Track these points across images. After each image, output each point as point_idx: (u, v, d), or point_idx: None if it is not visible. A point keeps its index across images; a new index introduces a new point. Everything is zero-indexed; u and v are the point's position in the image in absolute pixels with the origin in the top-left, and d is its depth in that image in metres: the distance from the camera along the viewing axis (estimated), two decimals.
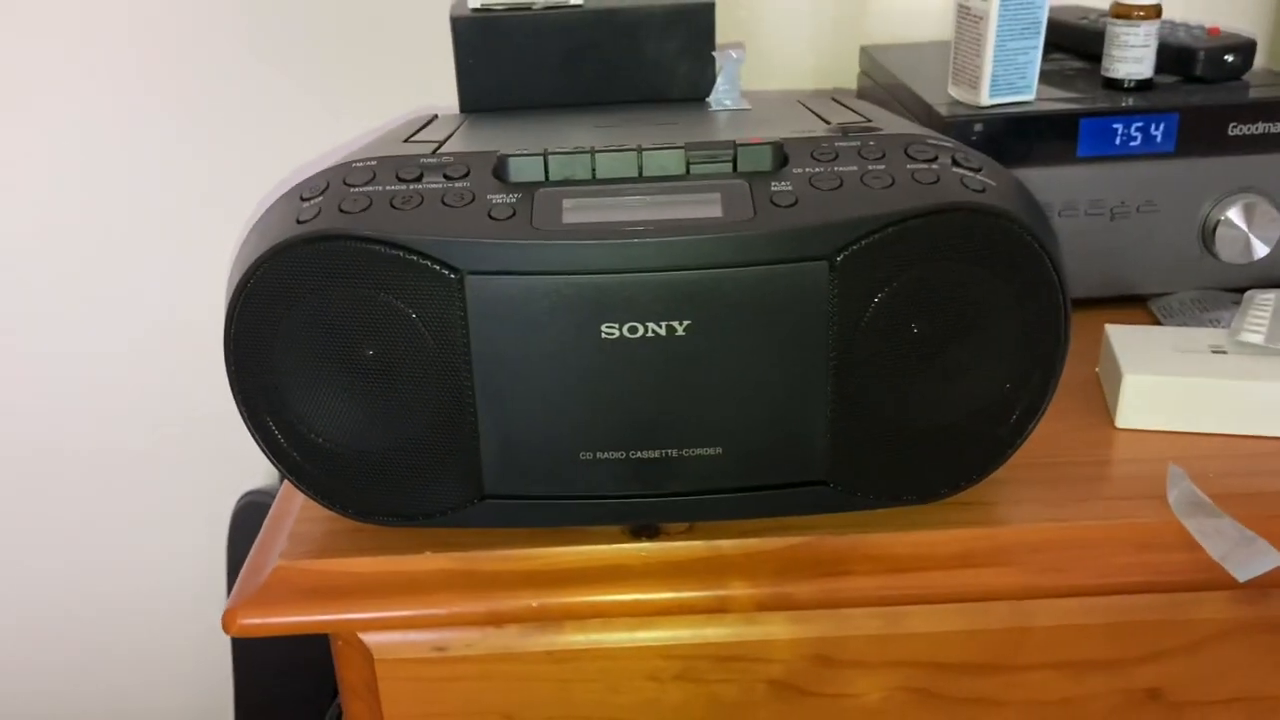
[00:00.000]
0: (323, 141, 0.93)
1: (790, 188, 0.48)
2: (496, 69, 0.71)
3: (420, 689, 0.56)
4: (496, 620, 0.53)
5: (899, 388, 0.50)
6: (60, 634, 1.11)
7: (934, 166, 0.49)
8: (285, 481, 0.58)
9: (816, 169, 0.49)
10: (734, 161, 0.50)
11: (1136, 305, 0.75)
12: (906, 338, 0.49)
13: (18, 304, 0.98)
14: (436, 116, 0.68)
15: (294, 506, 0.57)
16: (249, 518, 1.00)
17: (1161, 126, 0.70)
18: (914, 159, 0.50)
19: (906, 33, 0.95)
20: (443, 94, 0.92)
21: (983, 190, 0.48)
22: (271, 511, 0.58)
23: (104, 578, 1.08)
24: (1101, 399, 0.64)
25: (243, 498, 1.01)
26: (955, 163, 0.50)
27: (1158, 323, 0.72)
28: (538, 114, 0.68)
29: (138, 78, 0.91)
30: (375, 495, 0.52)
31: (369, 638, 0.55)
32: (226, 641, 1.07)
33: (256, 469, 1.05)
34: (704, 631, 0.55)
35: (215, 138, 0.93)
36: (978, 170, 0.50)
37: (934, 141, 0.51)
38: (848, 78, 0.94)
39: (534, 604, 0.52)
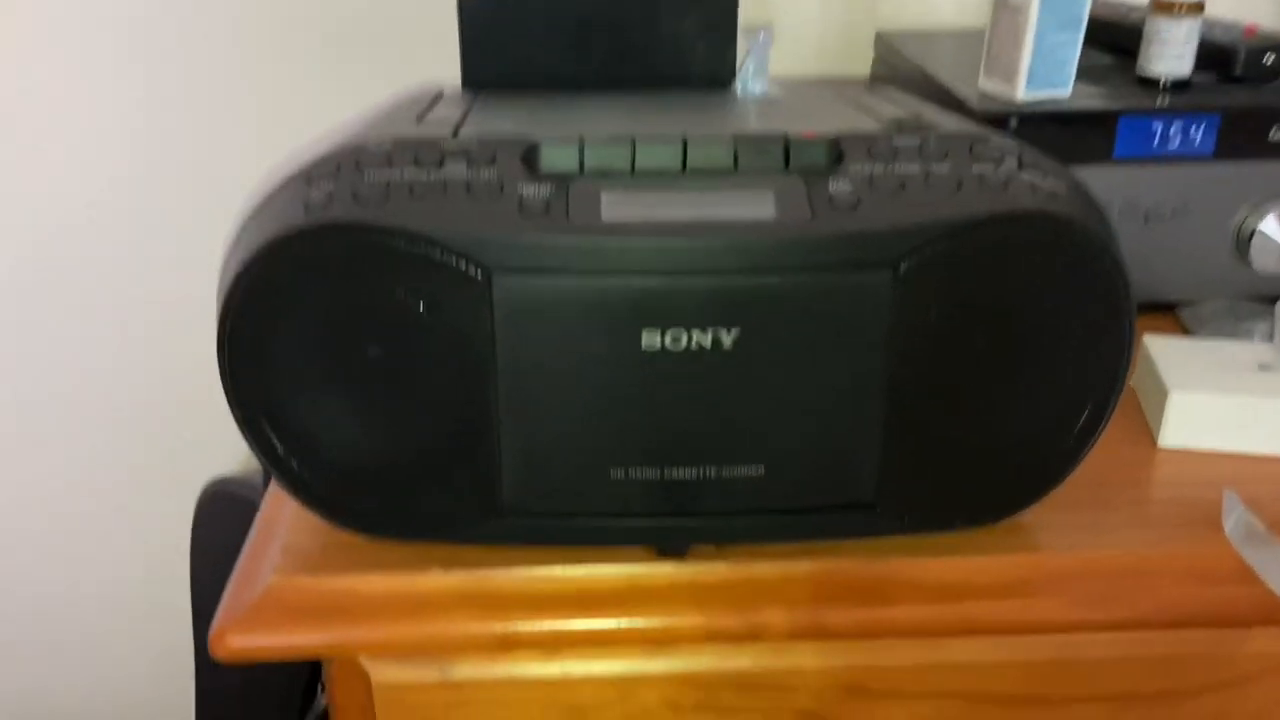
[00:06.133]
0: (301, 119, 0.87)
1: (850, 187, 0.44)
2: (504, 42, 0.66)
3: (422, 716, 0.51)
4: (509, 644, 0.49)
5: (955, 405, 0.46)
6: (18, 623, 1.05)
7: (1001, 169, 0.46)
8: (273, 482, 0.53)
9: (876, 168, 0.45)
10: (786, 156, 0.46)
11: (1165, 313, 0.72)
12: (967, 352, 0.45)
13: None
14: (442, 93, 0.63)
15: (285, 513, 0.53)
16: (215, 507, 0.95)
17: (1202, 128, 0.67)
18: (980, 160, 0.46)
19: (922, 19, 0.91)
20: (429, 66, 0.86)
21: (1054, 195, 0.45)
22: (259, 517, 0.54)
23: (62, 567, 1.03)
24: (1138, 414, 0.61)
25: (209, 486, 0.96)
26: (1022, 165, 0.46)
27: (1187, 330, 0.70)
28: (552, 95, 0.63)
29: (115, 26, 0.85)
30: (382, 509, 0.48)
31: (368, 661, 0.50)
32: (188, 632, 1.02)
33: (224, 455, 1.00)
34: (728, 658, 0.52)
35: (189, 104, 0.87)
36: (1046, 174, 0.46)
37: (998, 141, 0.48)
38: (860, 63, 0.90)
39: (549, 628, 0.48)
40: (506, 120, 0.54)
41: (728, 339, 0.44)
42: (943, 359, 0.45)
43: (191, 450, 0.99)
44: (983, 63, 0.69)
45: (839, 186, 0.44)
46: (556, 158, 0.45)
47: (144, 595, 1.04)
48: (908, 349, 0.45)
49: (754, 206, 0.43)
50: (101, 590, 1.04)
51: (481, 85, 0.67)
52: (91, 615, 1.05)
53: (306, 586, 0.49)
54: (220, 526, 0.94)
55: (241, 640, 0.48)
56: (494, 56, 0.66)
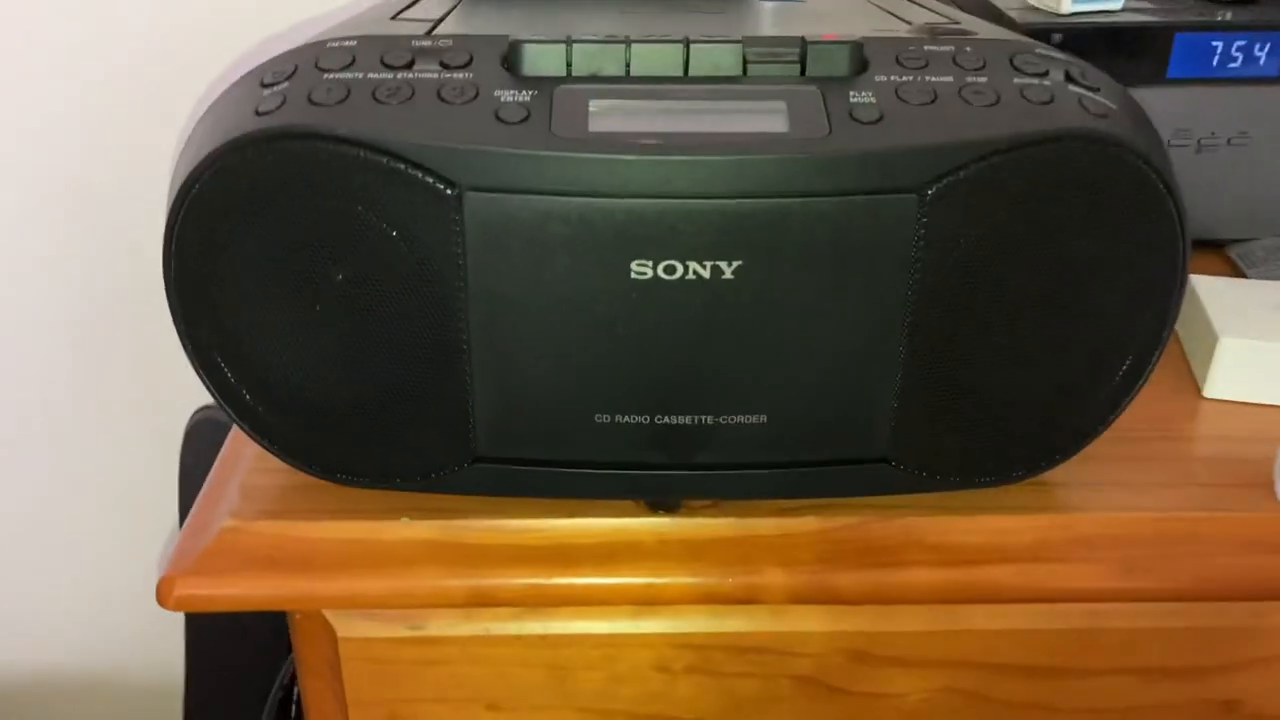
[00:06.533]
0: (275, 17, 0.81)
1: (873, 99, 0.39)
2: None
3: (391, 672, 0.48)
4: (483, 601, 0.44)
5: (984, 349, 0.41)
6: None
7: (1045, 83, 0.40)
8: None
9: (904, 77, 0.40)
10: (802, 62, 0.40)
11: (1213, 251, 0.66)
12: (1000, 290, 0.40)
13: None
14: None
15: (246, 451, 0.48)
16: (203, 436, 0.91)
17: (1267, 47, 0.61)
18: (1021, 71, 0.40)
19: None
20: None
21: (1104, 115, 0.39)
22: (220, 455, 0.49)
23: (47, 502, 0.99)
24: (1182, 361, 0.56)
25: (196, 413, 0.92)
26: (1070, 79, 0.41)
27: (1238, 271, 0.64)
28: None
29: None
30: (346, 450, 0.43)
31: (332, 614, 0.46)
32: None
33: None
34: (724, 619, 0.47)
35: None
36: (1096, 90, 0.41)
37: (1043, 52, 0.42)
38: None
39: (527, 583, 0.44)
40: (494, 17, 0.49)
41: (729, 270, 0.38)
42: (972, 296, 0.40)
43: (178, 377, 0.95)
44: None
45: (861, 98, 0.39)
46: (540, 59, 0.40)
47: (133, 524, 1.01)
48: (933, 285, 0.40)
49: (764, 119, 0.38)
50: (89, 523, 1.01)
51: None
52: (80, 545, 1.02)
53: (265, 532, 0.44)
54: (208, 456, 0.90)
55: (191, 589, 0.44)
56: None
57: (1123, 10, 0.61)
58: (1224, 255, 0.66)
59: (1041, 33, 0.60)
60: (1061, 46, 0.59)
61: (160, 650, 1.06)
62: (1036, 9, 0.62)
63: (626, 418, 0.41)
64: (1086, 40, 0.60)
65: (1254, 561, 0.45)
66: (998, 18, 0.62)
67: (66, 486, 0.98)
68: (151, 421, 0.96)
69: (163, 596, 0.44)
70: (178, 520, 0.97)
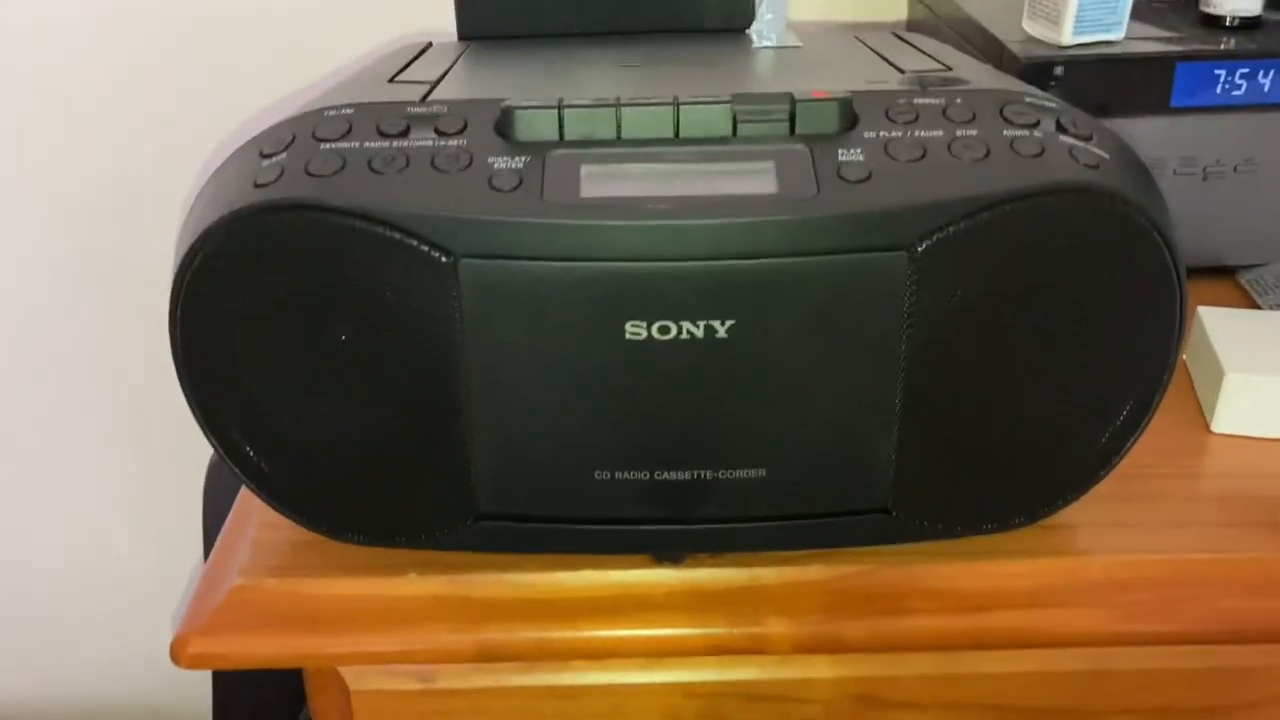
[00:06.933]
0: (297, 73, 0.82)
1: (862, 157, 0.39)
2: None
3: None
4: (491, 656, 0.45)
5: (982, 399, 0.41)
6: (27, 607, 1.03)
7: (1036, 134, 0.40)
8: None
9: (893, 133, 0.40)
10: (791, 121, 0.40)
11: (1224, 277, 0.66)
12: (995, 340, 0.40)
13: None
14: (430, 45, 0.58)
15: (256, 507, 0.49)
16: (226, 477, 0.92)
17: (1271, 74, 0.60)
18: (1011, 123, 0.41)
19: None
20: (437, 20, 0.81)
21: (1096, 166, 0.39)
22: (232, 511, 0.50)
23: (63, 548, 1.01)
24: (1190, 392, 0.56)
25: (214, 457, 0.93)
26: (1061, 128, 0.41)
27: (1249, 298, 0.64)
28: (549, 45, 0.58)
29: None
30: (352, 509, 0.44)
31: (345, 668, 0.47)
32: None
33: None
34: (732, 667, 0.48)
35: (172, 65, 0.83)
36: (1088, 139, 0.41)
37: (1034, 101, 0.42)
38: (900, 8, 0.84)
39: (535, 637, 0.44)
40: (490, 77, 0.49)
41: (723, 330, 0.39)
42: (967, 348, 0.40)
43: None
44: (1026, 2, 0.63)
45: (850, 156, 0.39)
46: (533, 125, 0.40)
47: (157, 570, 1.02)
48: (927, 338, 0.40)
49: (753, 180, 0.39)
50: (114, 567, 1.02)
51: (478, 35, 0.62)
52: (105, 594, 1.04)
53: (275, 590, 0.45)
54: (230, 497, 0.91)
55: (204, 647, 0.44)
56: (491, 3, 0.61)
57: (1124, 40, 0.61)
58: (1234, 281, 0.65)
59: (1043, 65, 0.60)
60: (1063, 79, 0.60)
61: (188, 683, 1.07)
62: (1037, 41, 0.62)
63: (626, 474, 0.42)
64: (1088, 72, 0.60)
65: (1260, 604, 0.44)
66: (999, 51, 0.62)
67: (100, 517, 1.00)
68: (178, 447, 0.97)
69: (176, 655, 0.45)
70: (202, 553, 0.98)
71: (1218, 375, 0.52)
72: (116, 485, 0.99)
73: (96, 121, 0.85)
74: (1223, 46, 0.61)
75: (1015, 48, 0.61)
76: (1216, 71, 0.60)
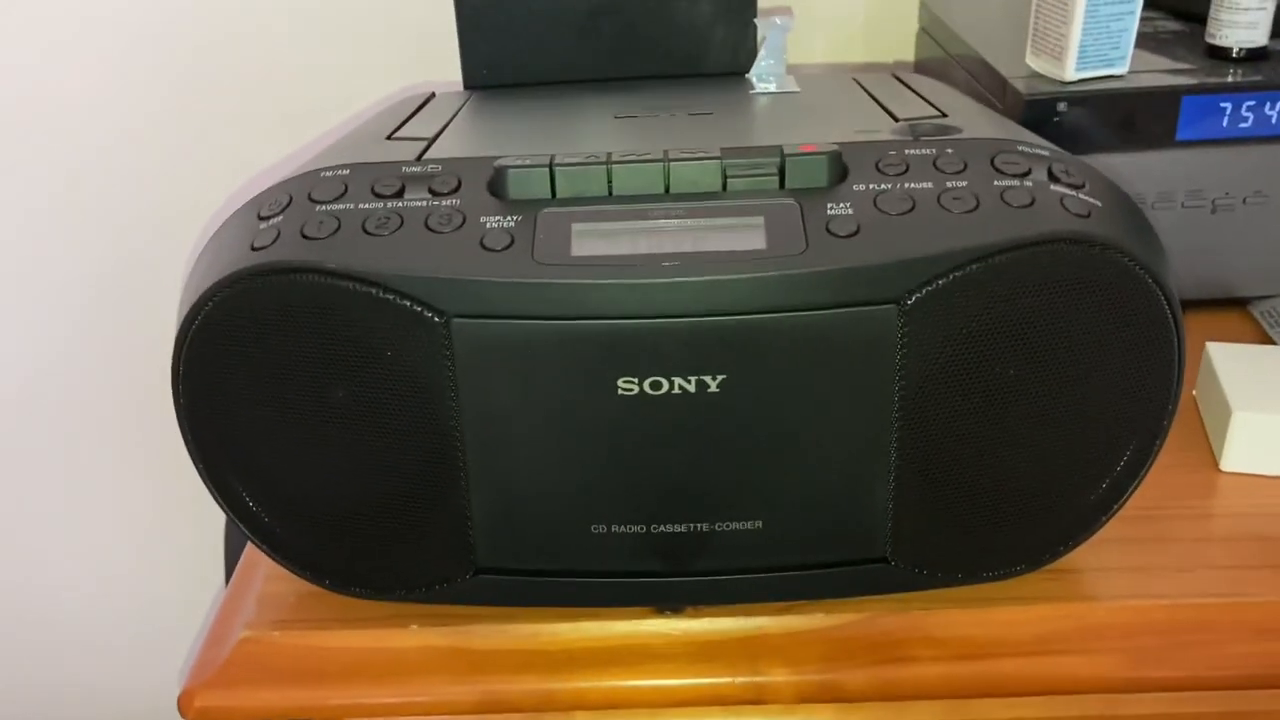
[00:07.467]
0: (306, 127, 0.83)
1: (851, 211, 0.39)
2: (505, 38, 0.62)
3: None
4: (493, 708, 0.45)
5: (976, 450, 0.41)
6: (50, 631, 1.05)
7: (1027, 183, 0.40)
8: None
9: (883, 185, 0.40)
10: (781, 175, 0.41)
11: (1236, 309, 0.65)
12: (988, 391, 0.40)
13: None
14: (434, 95, 0.59)
15: (263, 558, 0.50)
16: None
17: (1278, 106, 0.60)
18: (1002, 172, 0.41)
19: None
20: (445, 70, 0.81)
21: (1087, 215, 0.39)
22: (240, 562, 0.51)
23: (85, 571, 1.02)
24: (1199, 429, 0.55)
25: None
26: (1053, 177, 0.41)
27: (1261, 329, 0.63)
28: (550, 94, 0.59)
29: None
30: (353, 563, 0.44)
31: None
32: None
33: None
34: (734, 715, 0.47)
35: (183, 114, 0.84)
36: (1080, 188, 0.41)
37: (1026, 149, 0.42)
38: (904, 34, 0.84)
39: (537, 689, 0.45)
40: (488, 132, 0.50)
41: (714, 385, 0.39)
42: (961, 398, 0.40)
43: None
44: (1029, 38, 0.63)
45: (839, 210, 0.39)
46: (525, 184, 0.41)
47: (175, 595, 1.03)
48: (920, 389, 0.40)
49: (742, 237, 0.39)
50: (133, 588, 1.04)
51: (482, 84, 0.62)
52: (124, 611, 1.05)
53: (278, 642, 0.46)
54: None
55: (210, 700, 0.45)
56: (495, 52, 0.62)
57: (1129, 74, 0.61)
58: (1246, 313, 0.65)
59: (1046, 102, 0.60)
60: (1066, 115, 0.60)
61: None
62: (1041, 77, 0.62)
63: (623, 528, 0.42)
64: (1091, 107, 0.60)
65: (1270, 649, 0.44)
66: (1001, 87, 0.62)
67: (123, 548, 1.01)
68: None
69: (184, 708, 0.45)
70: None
71: (1226, 413, 0.52)
72: (138, 515, 1.00)
73: (117, 172, 0.86)
74: (1229, 79, 0.60)
75: (1019, 84, 0.61)
76: (1223, 104, 0.60)
